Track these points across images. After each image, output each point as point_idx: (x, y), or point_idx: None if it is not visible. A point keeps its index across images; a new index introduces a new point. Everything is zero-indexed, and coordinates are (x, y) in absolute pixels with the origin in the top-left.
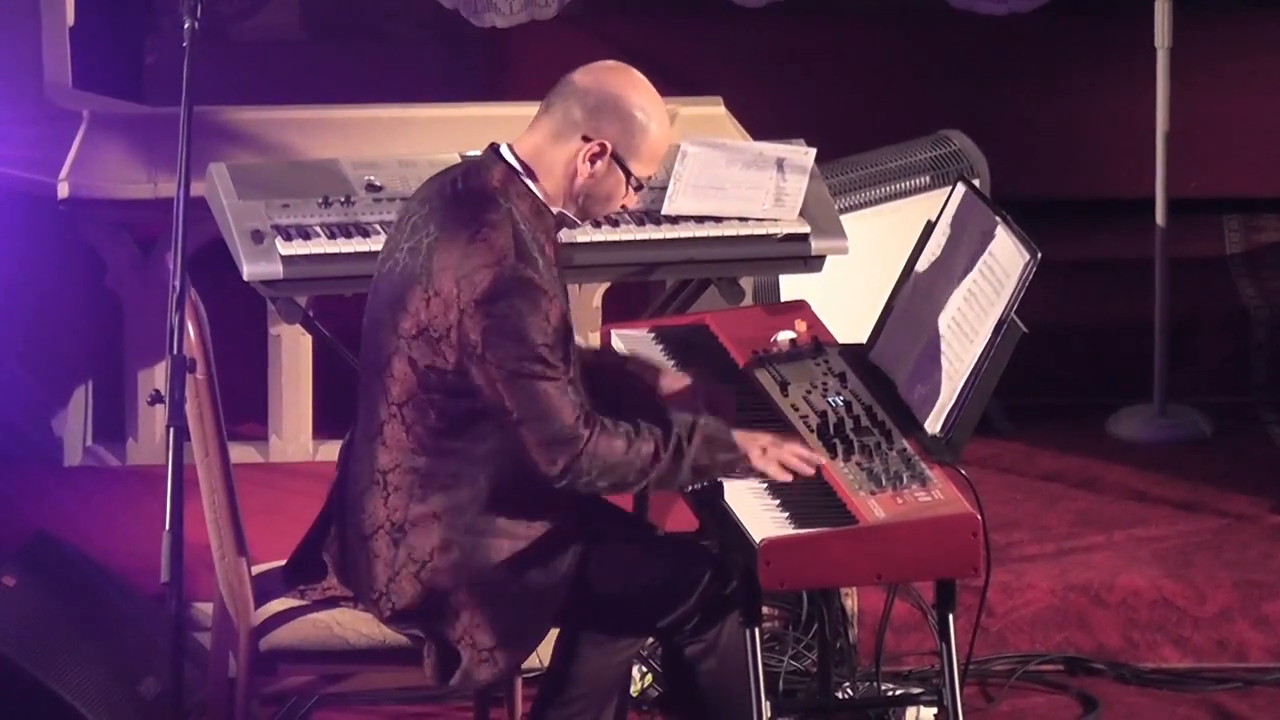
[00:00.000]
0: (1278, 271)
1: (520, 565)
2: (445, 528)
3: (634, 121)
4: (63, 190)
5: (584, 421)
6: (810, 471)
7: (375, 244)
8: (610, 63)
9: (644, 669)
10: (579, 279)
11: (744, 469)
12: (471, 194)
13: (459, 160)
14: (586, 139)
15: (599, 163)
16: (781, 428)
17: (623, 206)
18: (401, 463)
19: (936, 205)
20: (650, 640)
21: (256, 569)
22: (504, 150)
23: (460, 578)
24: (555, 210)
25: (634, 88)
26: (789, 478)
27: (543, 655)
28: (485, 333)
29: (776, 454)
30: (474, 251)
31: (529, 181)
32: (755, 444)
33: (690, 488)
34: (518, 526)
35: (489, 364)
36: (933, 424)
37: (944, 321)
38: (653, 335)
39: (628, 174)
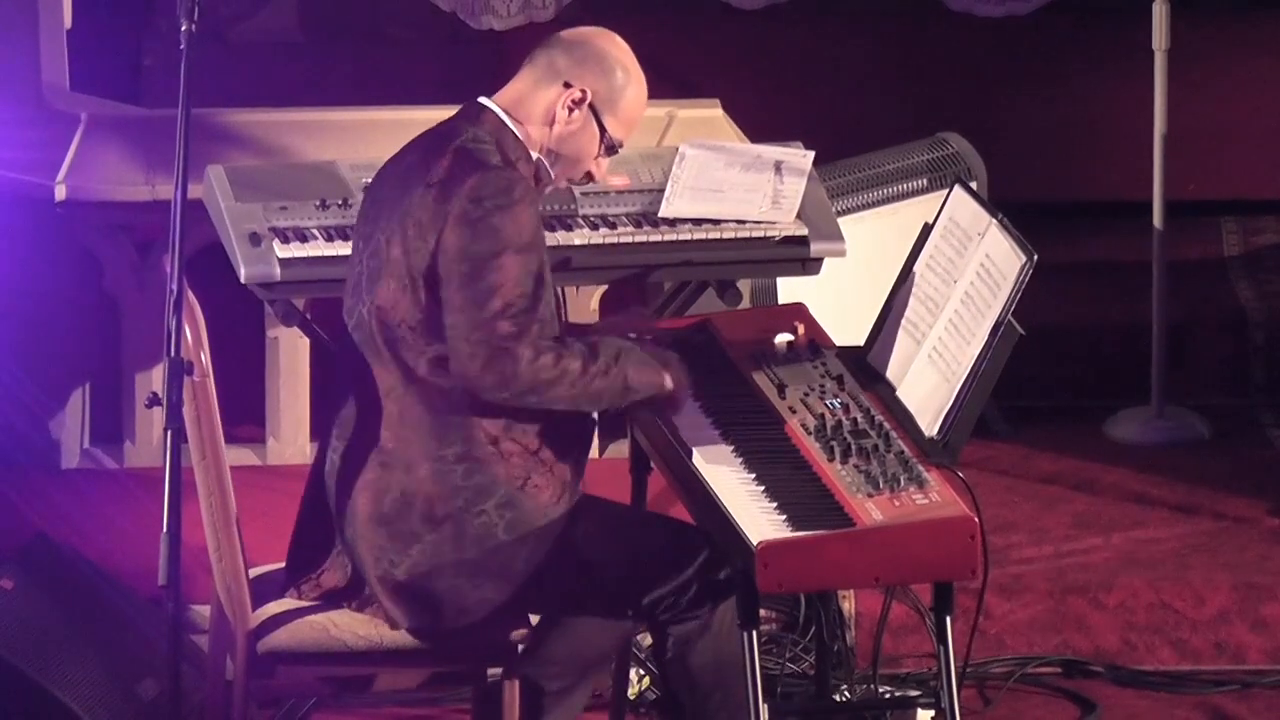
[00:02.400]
0: (1276, 274)
1: (516, 490)
2: (433, 455)
3: (615, 76)
4: (60, 193)
5: (518, 337)
6: None
7: None
8: (597, 27)
9: (641, 671)
10: (576, 281)
11: (664, 395)
12: (455, 132)
13: None
14: (568, 85)
15: (577, 112)
16: (777, 431)
17: (588, 175)
18: (389, 393)
19: (934, 208)
20: (645, 640)
21: (254, 571)
22: (485, 100)
23: (455, 504)
24: (534, 156)
25: (618, 48)
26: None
27: None
28: (462, 235)
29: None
30: (462, 163)
31: (513, 126)
32: (675, 370)
33: (611, 410)
34: (529, 440)
35: (457, 265)
36: (930, 426)
37: (941, 324)
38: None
39: (602, 130)
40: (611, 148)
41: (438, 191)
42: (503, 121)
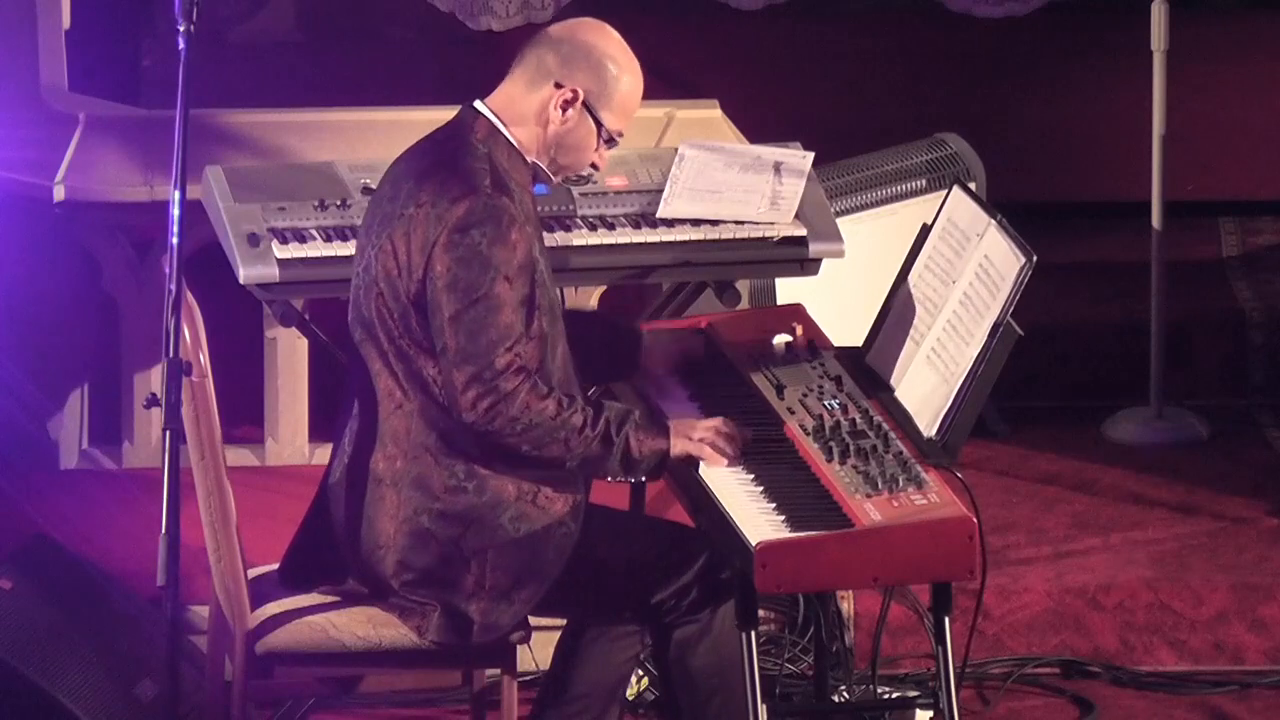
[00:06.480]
0: (1274, 274)
1: (529, 504)
2: (445, 470)
3: (606, 70)
4: (59, 193)
5: (516, 371)
6: (731, 454)
7: None
8: (585, 18)
9: (640, 672)
10: (575, 282)
11: (674, 457)
12: (450, 142)
13: None
14: (559, 85)
15: (570, 110)
16: (776, 432)
17: (593, 165)
18: (396, 409)
19: (933, 208)
20: (647, 643)
21: (253, 572)
22: (479, 105)
23: (469, 521)
24: (530, 159)
25: (607, 39)
26: (720, 460)
27: (540, 658)
28: (451, 265)
29: (706, 438)
30: (451, 184)
31: (506, 131)
32: (682, 434)
33: (622, 478)
34: (522, 466)
35: (447, 294)
36: (929, 427)
37: (940, 324)
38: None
39: (599, 124)
40: (611, 139)
41: (427, 212)
42: (496, 127)
